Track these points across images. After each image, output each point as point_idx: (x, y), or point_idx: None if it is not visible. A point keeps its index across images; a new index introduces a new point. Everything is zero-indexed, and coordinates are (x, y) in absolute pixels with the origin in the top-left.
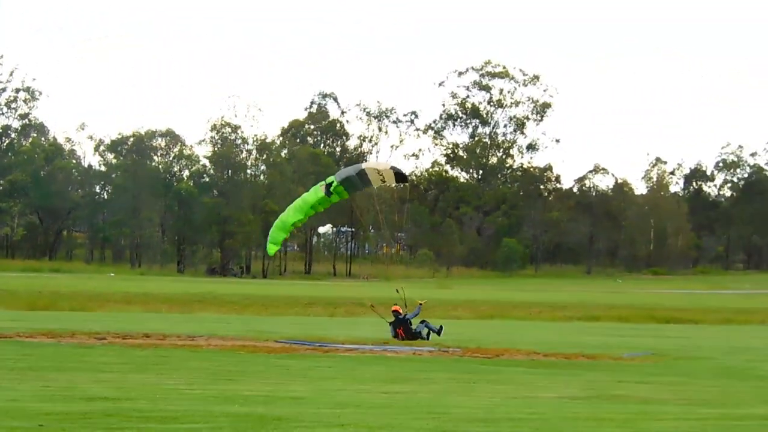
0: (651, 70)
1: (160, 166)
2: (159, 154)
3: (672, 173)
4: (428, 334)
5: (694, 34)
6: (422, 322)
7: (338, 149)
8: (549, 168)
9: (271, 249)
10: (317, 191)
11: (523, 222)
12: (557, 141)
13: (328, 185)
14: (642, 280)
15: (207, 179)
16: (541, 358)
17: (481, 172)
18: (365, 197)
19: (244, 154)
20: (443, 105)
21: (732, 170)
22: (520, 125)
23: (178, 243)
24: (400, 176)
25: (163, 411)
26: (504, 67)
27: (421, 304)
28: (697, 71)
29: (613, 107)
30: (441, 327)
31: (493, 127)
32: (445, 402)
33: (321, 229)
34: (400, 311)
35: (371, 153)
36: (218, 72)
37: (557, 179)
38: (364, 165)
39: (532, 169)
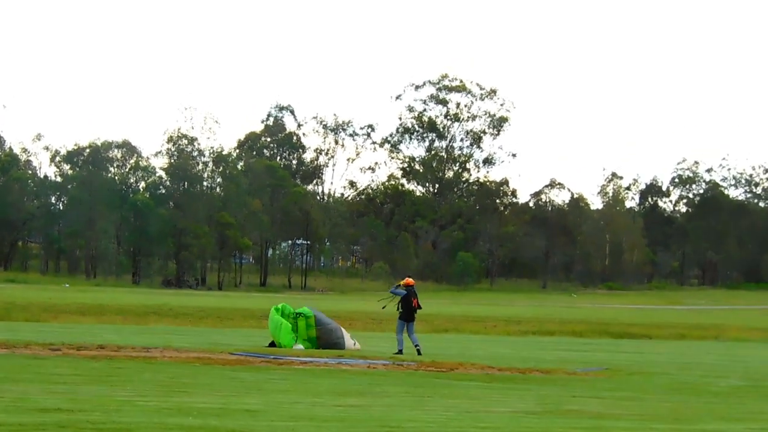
0: (607, 85)
1: (116, 178)
2: (115, 165)
3: (628, 188)
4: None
5: (651, 50)
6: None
7: (294, 162)
8: (505, 182)
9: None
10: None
11: (478, 236)
12: (513, 155)
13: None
14: (597, 294)
15: (163, 191)
16: (495, 373)
17: (437, 185)
18: (322, 210)
19: (200, 166)
20: (400, 118)
21: (688, 186)
22: (476, 139)
23: (133, 254)
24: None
25: (117, 423)
26: (461, 81)
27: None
28: (654, 87)
29: (569, 122)
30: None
31: (449, 141)
32: (398, 416)
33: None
34: (414, 285)
35: (327, 166)
36: (175, 84)
37: (513, 193)
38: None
39: (488, 183)
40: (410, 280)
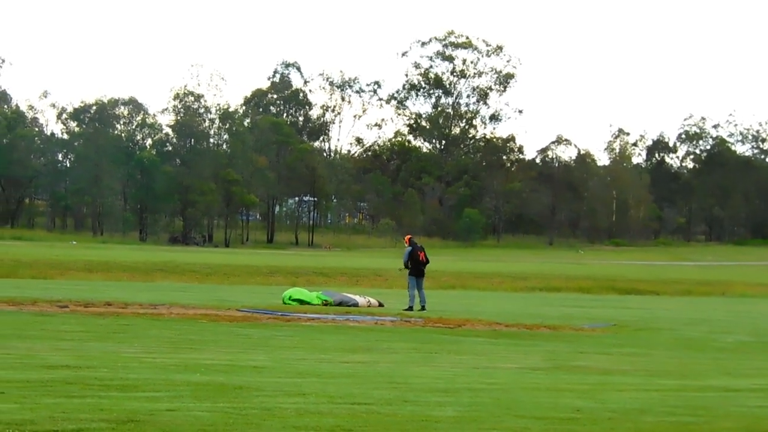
0: (614, 40)
1: (122, 135)
2: (121, 122)
3: (634, 144)
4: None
5: (659, 4)
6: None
7: (301, 119)
8: (511, 139)
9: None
10: None
11: (484, 192)
12: (520, 112)
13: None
14: (603, 251)
15: (169, 148)
16: (502, 329)
17: (443, 142)
18: (328, 166)
19: (206, 123)
20: (406, 75)
21: (694, 142)
22: (483, 96)
23: (140, 211)
24: None
25: (124, 379)
26: (467, 38)
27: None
28: (661, 42)
29: (576, 78)
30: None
31: (455, 98)
32: (406, 372)
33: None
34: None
35: (334, 123)
36: (182, 40)
37: (520, 150)
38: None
39: (494, 140)
40: (408, 236)
